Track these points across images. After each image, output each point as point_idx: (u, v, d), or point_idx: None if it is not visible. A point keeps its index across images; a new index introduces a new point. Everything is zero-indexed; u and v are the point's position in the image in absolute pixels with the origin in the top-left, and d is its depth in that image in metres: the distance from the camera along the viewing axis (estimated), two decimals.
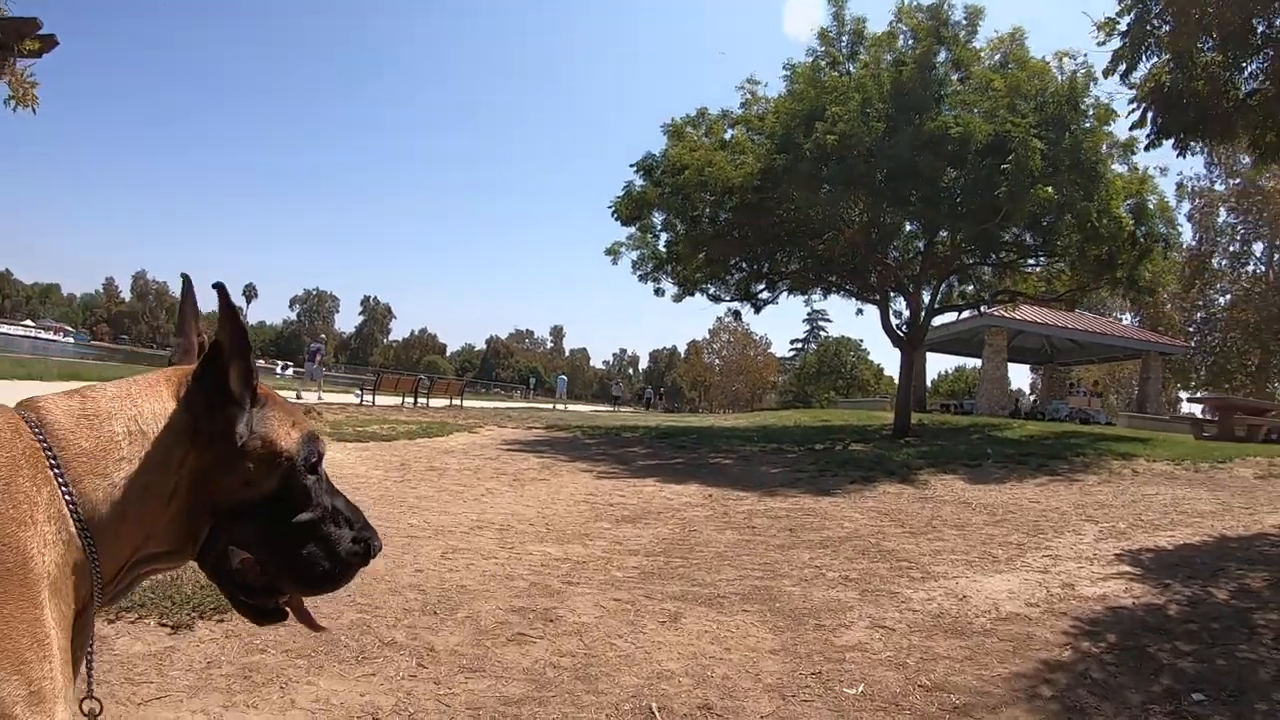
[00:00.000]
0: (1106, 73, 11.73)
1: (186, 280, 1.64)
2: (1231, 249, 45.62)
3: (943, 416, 31.14)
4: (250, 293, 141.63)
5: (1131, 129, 12.64)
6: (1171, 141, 11.48)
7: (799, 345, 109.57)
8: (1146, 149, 12.55)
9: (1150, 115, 11.34)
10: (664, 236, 23.99)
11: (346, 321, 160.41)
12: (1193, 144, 11.77)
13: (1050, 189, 16.77)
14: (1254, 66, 10.74)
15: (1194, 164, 43.69)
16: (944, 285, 24.32)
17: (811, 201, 18.94)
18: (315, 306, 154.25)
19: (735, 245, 22.92)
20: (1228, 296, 47.16)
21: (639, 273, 25.19)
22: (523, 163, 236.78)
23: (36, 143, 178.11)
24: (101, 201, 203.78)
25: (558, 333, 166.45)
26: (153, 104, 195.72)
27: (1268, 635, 5.57)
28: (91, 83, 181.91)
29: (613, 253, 24.79)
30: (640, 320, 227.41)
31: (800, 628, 5.75)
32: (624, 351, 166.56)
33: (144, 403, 1.35)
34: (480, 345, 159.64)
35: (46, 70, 7.86)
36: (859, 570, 7.59)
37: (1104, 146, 19.14)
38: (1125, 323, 46.48)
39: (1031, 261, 24.19)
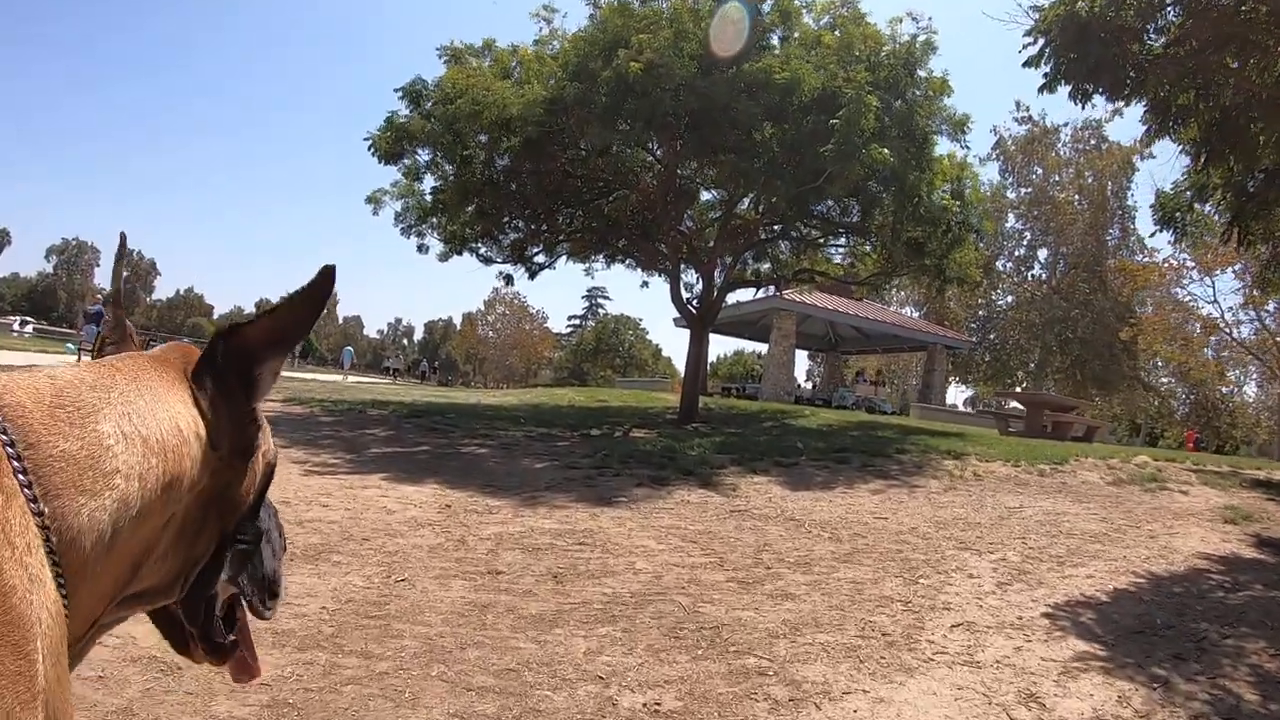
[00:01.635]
0: None
1: (123, 239, 1.47)
2: (1017, 253, 46.49)
3: (729, 400, 28.92)
4: (1, 239, 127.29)
5: (1026, 65, 10.17)
6: (1069, 89, 9.27)
7: (577, 321, 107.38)
8: (1040, 91, 10.25)
9: (1049, 51, 9.02)
10: (430, 182, 20.49)
11: (106, 277, 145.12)
12: (1096, 94, 9.58)
13: (886, 151, 14.44)
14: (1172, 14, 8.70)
15: (989, 170, 44.19)
16: (739, 261, 21.86)
17: (605, 140, 15.85)
18: (74, 258, 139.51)
19: (511, 199, 19.70)
20: (1010, 298, 47.96)
21: (401, 225, 21.66)
22: (291, 107, 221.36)
23: None
24: None
25: (331, 299, 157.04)
26: None
27: None
28: None
29: (373, 201, 21.09)
30: (416, 288, 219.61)
31: None
32: (399, 321, 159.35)
33: (141, 397, 0.98)
34: (250, 308, 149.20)
35: None
36: (672, 679, 4.51)
37: (936, 121, 17.11)
38: (908, 315, 46.22)
39: (837, 241, 22.19)
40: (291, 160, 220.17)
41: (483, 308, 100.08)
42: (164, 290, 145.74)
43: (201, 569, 1.11)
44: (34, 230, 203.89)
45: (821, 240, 22.14)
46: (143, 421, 0.94)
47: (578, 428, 16.56)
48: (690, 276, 22.00)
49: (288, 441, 12.53)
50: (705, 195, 21.92)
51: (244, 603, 1.26)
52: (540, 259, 22.88)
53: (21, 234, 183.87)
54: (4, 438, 0.82)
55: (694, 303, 20.92)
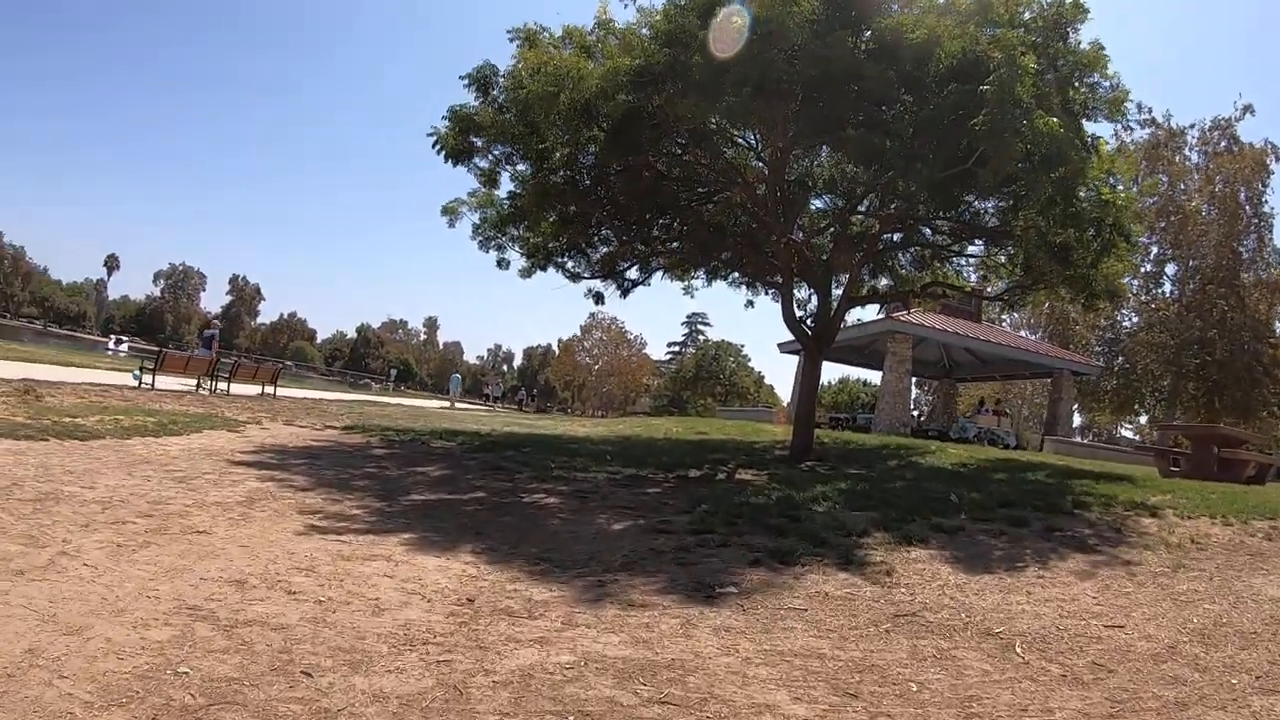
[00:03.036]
0: None
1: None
2: (1144, 268, 41.39)
3: (839, 434, 25.59)
4: (112, 263, 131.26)
5: None
6: None
7: (676, 348, 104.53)
8: None
9: None
10: (507, 186, 17.95)
11: (213, 301, 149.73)
12: None
13: (1054, 120, 11.36)
14: None
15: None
16: (861, 274, 18.78)
17: (703, 115, 12.93)
18: (181, 283, 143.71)
19: (598, 204, 17.06)
20: (1136, 318, 43.37)
21: (479, 238, 19.18)
22: (404, 145, 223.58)
23: None
24: None
25: (431, 325, 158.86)
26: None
27: None
28: None
29: (450, 212, 18.67)
30: (516, 314, 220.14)
31: None
32: (499, 347, 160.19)
33: None
34: (352, 333, 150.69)
35: None
36: None
37: (1091, 98, 13.97)
38: (1028, 338, 42.02)
39: (965, 251, 18.99)
40: (396, 186, 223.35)
41: (579, 333, 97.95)
42: (268, 314, 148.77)
43: None
44: (142, 255, 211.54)
45: (952, 248, 18.95)
46: None
47: (673, 467, 13.73)
48: (802, 293, 19.06)
49: (312, 481, 10.05)
50: (815, 203, 18.96)
51: None
52: (633, 274, 20.19)
53: (130, 259, 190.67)
54: None
55: (808, 322, 17.91)
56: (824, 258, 17.85)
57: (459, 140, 15.92)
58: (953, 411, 40.17)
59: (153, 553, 6.08)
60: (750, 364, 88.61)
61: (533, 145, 15.17)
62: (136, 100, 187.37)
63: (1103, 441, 37.89)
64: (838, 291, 17.75)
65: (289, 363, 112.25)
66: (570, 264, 19.61)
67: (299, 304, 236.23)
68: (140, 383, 21.45)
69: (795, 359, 36.57)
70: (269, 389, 26.77)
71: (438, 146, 16.01)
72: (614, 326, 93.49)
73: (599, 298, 20.29)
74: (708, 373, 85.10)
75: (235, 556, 6.29)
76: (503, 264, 19.67)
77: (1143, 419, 52.22)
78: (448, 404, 46.32)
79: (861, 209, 17.70)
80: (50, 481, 7.90)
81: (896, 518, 9.03)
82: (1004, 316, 42.87)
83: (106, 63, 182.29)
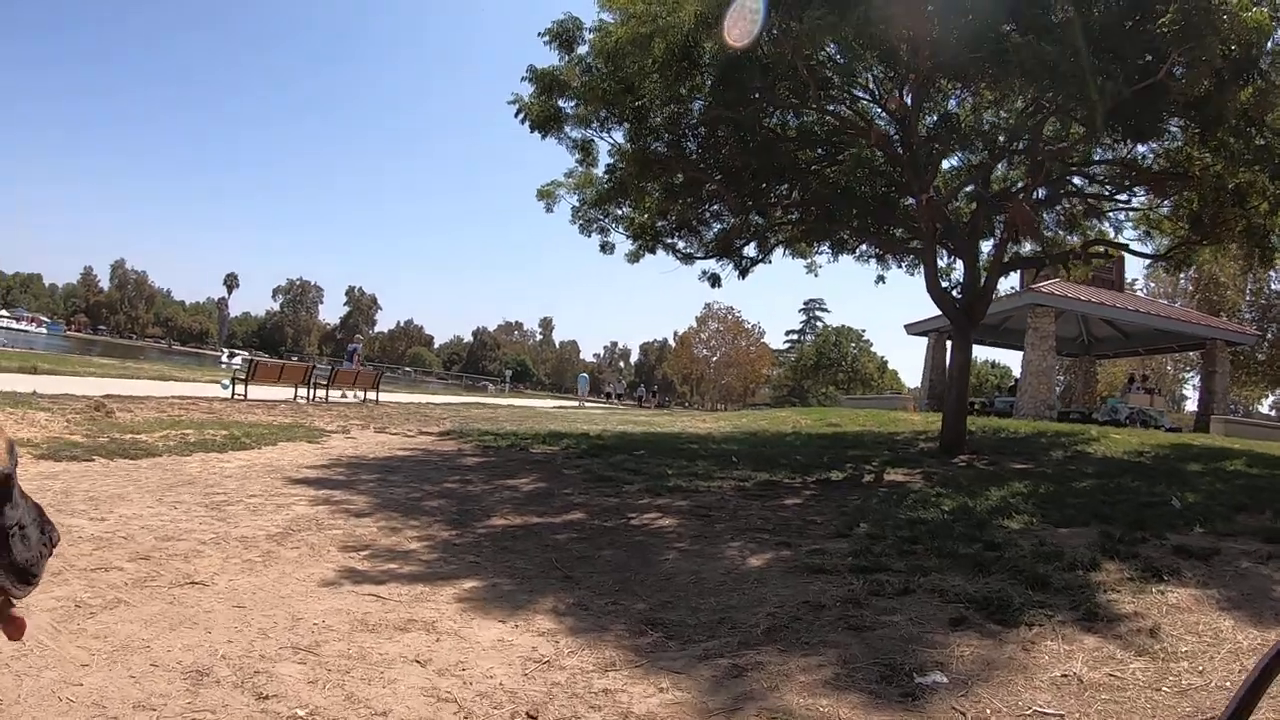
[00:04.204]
0: None
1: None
2: None
3: (984, 419, 22.72)
4: (232, 282, 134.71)
5: None
6: None
7: (794, 336, 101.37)
8: None
9: None
10: (606, 160, 15.96)
11: (331, 312, 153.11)
12: None
13: (1263, 10, 8.89)
14: None
15: None
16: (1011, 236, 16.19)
17: (830, 31, 10.54)
18: (299, 296, 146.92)
19: (708, 170, 14.93)
20: None
21: (579, 221, 17.34)
22: (508, 145, 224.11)
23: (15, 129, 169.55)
24: (84, 190, 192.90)
25: (547, 325, 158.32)
26: (131, 97, 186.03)
27: None
28: (78, 77, 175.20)
29: (546, 195, 16.88)
30: (632, 308, 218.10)
31: None
32: (615, 344, 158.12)
33: None
34: (468, 337, 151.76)
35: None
36: None
37: None
38: (1176, 307, 38.08)
39: (1129, 199, 16.35)
40: (505, 187, 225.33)
41: (695, 324, 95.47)
42: (385, 323, 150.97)
43: None
44: (262, 272, 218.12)
45: (1110, 201, 16.27)
46: None
47: (810, 469, 11.55)
48: (942, 262, 16.60)
49: (375, 503, 8.29)
50: (948, 163, 16.43)
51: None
52: (751, 252, 17.98)
53: (250, 276, 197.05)
54: None
55: (954, 294, 15.44)
56: (965, 221, 15.39)
57: (544, 106, 13.97)
58: (1093, 391, 36.66)
59: (115, 617, 4.33)
60: (872, 349, 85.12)
61: (627, 104, 13.08)
62: (248, 126, 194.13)
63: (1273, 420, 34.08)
64: (990, 255, 15.28)
65: (409, 368, 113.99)
66: (681, 244, 17.65)
67: (415, 311, 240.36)
68: (232, 393, 20.40)
69: (924, 340, 33.94)
70: (371, 395, 25.39)
71: (521, 115, 14.10)
72: (730, 316, 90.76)
73: (715, 280, 18.09)
74: (829, 360, 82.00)
75: (220, 624, 4.39)
76: (606, 248, 17.82)
77: None
78: (576, 403, 46.37)
79: (1000, 166, 15.25)
80: (58, 513, 6.18)
81: (1119, 536, 6.65)
82: (1140, 285, 39.22)
83: (218, 94, 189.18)
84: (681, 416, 28.48)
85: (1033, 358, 27.68)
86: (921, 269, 15.27)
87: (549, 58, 14.49)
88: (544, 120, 13.98)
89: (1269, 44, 10.21)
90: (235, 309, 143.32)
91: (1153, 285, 47.61)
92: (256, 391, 20.93)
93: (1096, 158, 15.07)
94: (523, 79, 13.83)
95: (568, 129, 14.68)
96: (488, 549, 6.69)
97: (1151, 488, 9.41)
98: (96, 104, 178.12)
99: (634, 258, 17.71)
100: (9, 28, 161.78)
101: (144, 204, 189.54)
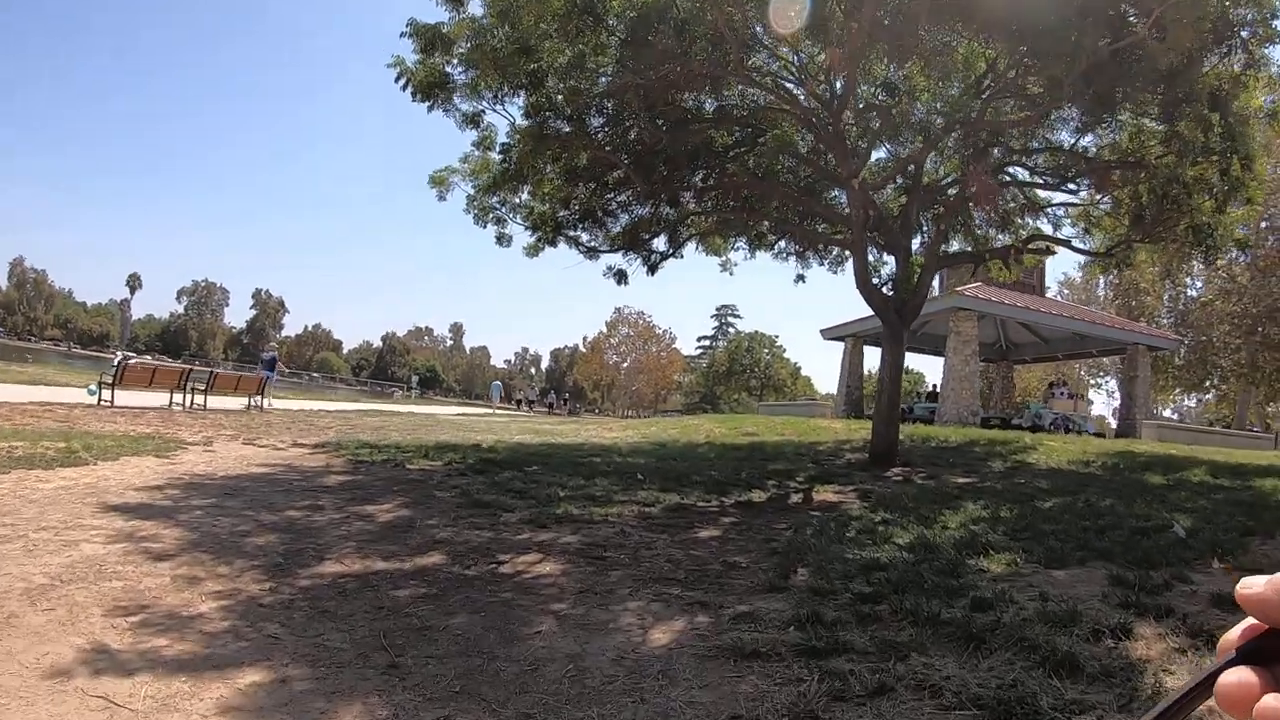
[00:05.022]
0: None
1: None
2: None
3: (908, 427, 21.39)
4: (134, 283, 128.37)
5: None
6: None
7: (707, 342, 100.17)
8: None
9: None
10: (503, 138, 14.21)
11: (237, 315, 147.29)
12: None
13: None
14: None
15: None
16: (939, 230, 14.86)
17: None
18: (204, 299, 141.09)
19: (613, 151, 13.27)
20: (1199, 284, 39.42)
21: (473, 210, 15.55)
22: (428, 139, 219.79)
23: None
24: None
25: (457, 330, 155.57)
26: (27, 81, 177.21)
27: None
28: None
29: (439, 183, 15.12)
30: (541, 314, 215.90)
31: None
32: (525, 350, 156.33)
33: None
34: (378, 343, 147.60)
35: None
36: None
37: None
38: (1096, 312, 37.68)
39: (1057, 198, 15.34)
40: (412, 193, 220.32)
41: (606, 329, 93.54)
42: (293, 327, 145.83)
43: None
44: (165, 274, 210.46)
45: (1053, 187, 15.12)
46: None
47: (727, 488, 10.00)
48: (872, 256, 15.21)
49: (190, 538, 6.66)
50: (876, 154, 15.06)
51: None
52: (661, 245, 16.35)
53: (153, 277, 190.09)
54: None
55: (883, 289, 14.04)
56: (895, 215, 14.04)
57: (429, 70, 12.13)
58: (1011, 397, 36.00)
59: None
60: (785, 355, 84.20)
61: (523, 69, 11.33)
62: (147, 117, 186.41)
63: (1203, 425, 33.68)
64: (923, 250, 13.92)
65: (315, 374, 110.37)
66: (585, 236, 16.03)
67: (323, 316, 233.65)
68: (99, 399, 18.23)
69: (840, 345, 32.85)
70: (257, 399, 23.17)
71: (403, 81, 12.25)
72: (641, 321, 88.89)
73: (621, 276, 16.43)
74: (741, 366, 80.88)
75: None
76: (503, 240, 16.07)
77: (1209, 396, 48.21)
78: (487, 410, 46.01)
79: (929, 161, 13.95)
80: None
81: (1135, 582, 5.13)
82: (1054, 291, 38.92)
83: (118, 79, 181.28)
84: (589, 424, 26.58)
85: (955, 362, 26.68)
86: (845, 266, 13.89)
87: (438, 15, 12.65)
88: (428, 86, 12.13)
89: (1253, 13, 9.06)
90: (138, 311, 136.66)
91: (1067, 292, 47.61)
92: (128, 398, 18.97)
93: (1038, 146, 13.86)
94: (403, 34, 11.95)
95: (457, 100, 12.86)
96: (301, 613, 4.88)
97: (1130, 508, 8.04)
98: None
99: (533, 251, 16.03)
100: None
101: (43, 199, 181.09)
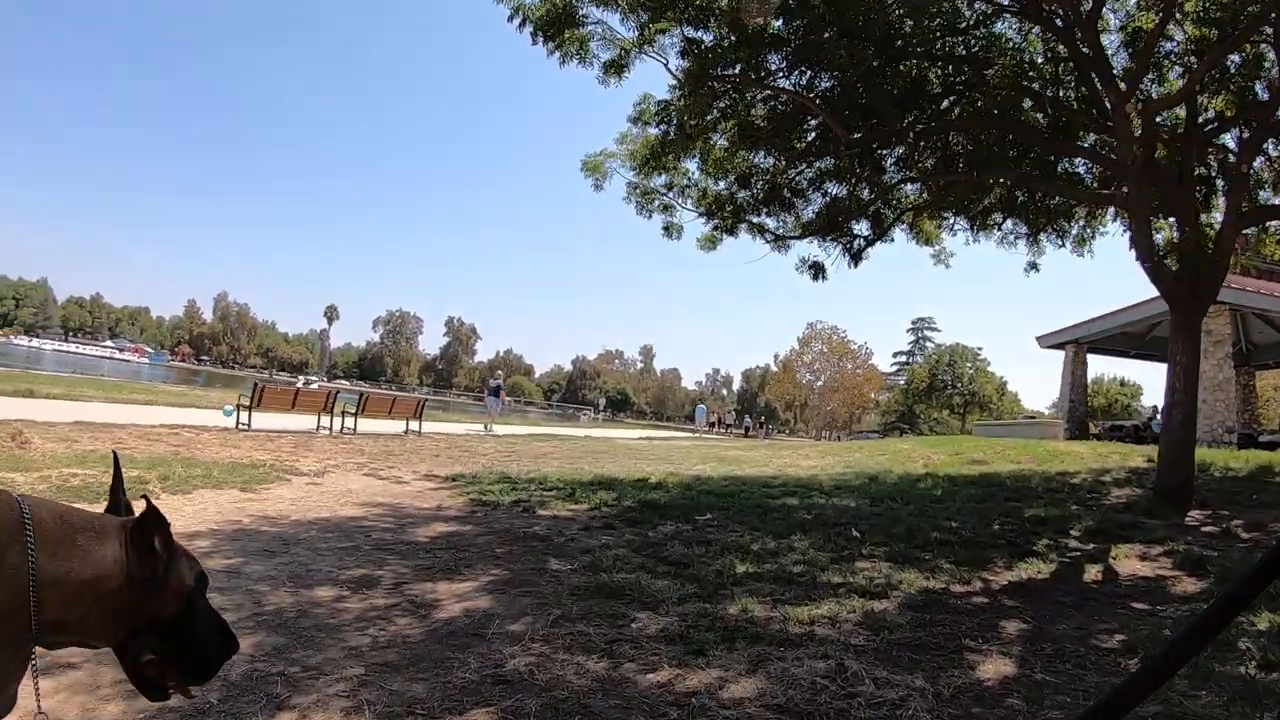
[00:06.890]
0: None
1: (115, 457, 1.88)
2: None
3: (1147, 448, 16.70)
4: (332, 314, 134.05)
5: None
6: None
7: (903, 357, 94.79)
8: None
9: None
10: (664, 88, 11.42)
11: (431, 343, 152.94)
12: None
13: None
14: None
15: None
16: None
17: None
18: (399, 328, 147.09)
19: (802, 103, 10.19)
20: None
21: (634, 198, 12.89)
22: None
23: (122, 160, 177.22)
24: (190, 226, 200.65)
25: (647, 353, 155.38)
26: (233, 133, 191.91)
27: None
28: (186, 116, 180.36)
29: (594, 169, 12.50)
30: (733, 336, 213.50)
31: None
32: (716, 372, 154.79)
33: (93, 533, 1.62)
34: (568, 366, 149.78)
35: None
36: None
37: None
38: None
39: None
40: (600, 217, 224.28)
41: (798, 345, 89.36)
42: (485, 353, 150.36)
43: (124, 640, 1.65)
44: (363, 304, 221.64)
45: None
46: (90, 541, 1.59)
47: (985, 551, 6.76)
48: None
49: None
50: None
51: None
52: (864, 230, 13.11)
53: (349, 308, 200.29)
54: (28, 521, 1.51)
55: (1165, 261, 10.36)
56: (1178, 159, 10.34)
57: (552, 3, 9.38)
58: (1255, 410, 29.89)
59: None
60: (989, 369, 77.88)
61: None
62: (343, 160, 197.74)
63: None
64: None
65: (510, 398, 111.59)
66: (770, 221, 13.06)
67: (515, 341, 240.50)
68: (236, 422, 17.10)
69: (1059, 354, 28.08)
70: (414, 424, 21.23)
71: (519, 20, 9.54)
72: (835, 336, 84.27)
73: (817, 269, 13.15)
74: (942, 382, 75.45)
75: None
76: (672, 230, 13.43)
77: None
78: (696, 434, 44.39)
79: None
80: None
81: None
82: None
83: (311, 131, 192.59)
84: (782, 450, 22.93)
85: (1206, 368, 21.55)
86: (1096, 244, 10.26)
87: None
88: (551, 22, 9.35)
89: None
90: (337, 340, 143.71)
91: None
92: (268, 421, 18.18)
93: None
94: None
95: (592, 45, 10.04)
96: None
97: None
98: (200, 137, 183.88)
99: (709, 242, 13.22)
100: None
101: (251, 242, 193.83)
